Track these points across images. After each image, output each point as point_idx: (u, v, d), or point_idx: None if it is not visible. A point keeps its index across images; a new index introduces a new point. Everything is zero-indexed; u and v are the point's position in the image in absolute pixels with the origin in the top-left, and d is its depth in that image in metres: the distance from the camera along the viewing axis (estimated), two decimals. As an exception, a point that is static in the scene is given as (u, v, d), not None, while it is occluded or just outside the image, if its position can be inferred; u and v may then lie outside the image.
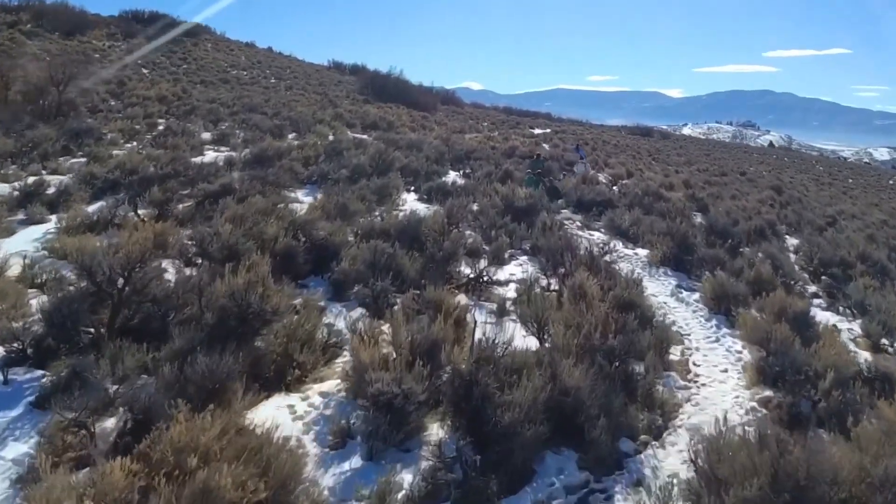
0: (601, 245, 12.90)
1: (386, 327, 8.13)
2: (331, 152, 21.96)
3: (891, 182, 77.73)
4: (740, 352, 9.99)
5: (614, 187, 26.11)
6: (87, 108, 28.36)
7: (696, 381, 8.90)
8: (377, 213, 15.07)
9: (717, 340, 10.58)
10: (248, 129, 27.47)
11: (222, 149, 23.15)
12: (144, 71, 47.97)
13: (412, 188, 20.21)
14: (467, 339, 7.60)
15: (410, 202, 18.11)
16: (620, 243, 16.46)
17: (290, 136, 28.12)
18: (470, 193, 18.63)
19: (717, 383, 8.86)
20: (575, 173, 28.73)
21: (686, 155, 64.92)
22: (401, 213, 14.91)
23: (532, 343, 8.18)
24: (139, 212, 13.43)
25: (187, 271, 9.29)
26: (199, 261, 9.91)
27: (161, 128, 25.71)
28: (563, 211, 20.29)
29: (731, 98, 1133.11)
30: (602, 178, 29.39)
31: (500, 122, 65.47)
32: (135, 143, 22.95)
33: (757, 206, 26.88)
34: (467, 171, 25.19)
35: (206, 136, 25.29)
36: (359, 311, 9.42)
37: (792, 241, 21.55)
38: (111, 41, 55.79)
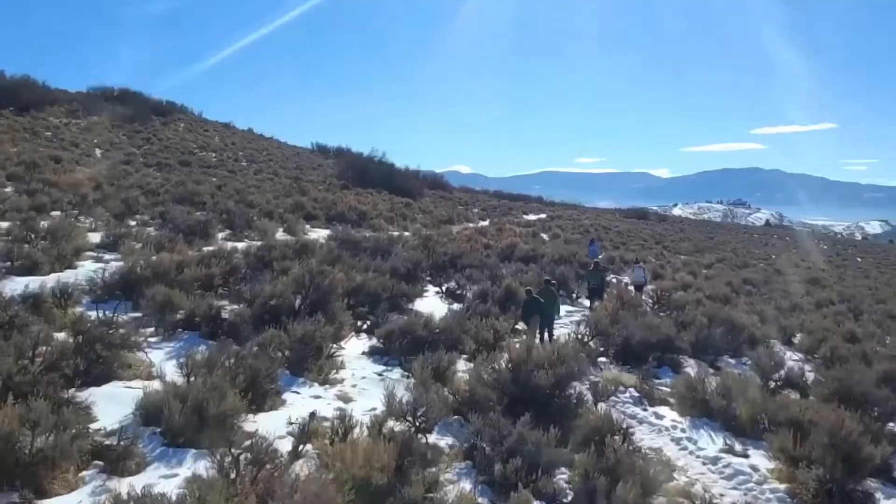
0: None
1: None
2: (256, 264, 15.28)
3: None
4: None
5: (659, 307, 19.36)
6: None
7: None
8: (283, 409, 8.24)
9: None
10: (162, 227, 20.76)
11: (106, 257, 16.25)
12: (98, 151, 43.74)
13: (363, 326, 13.43)
14: None
15: (355, 363, 11.32)
16: (719, 440, 9.79)
17: (221, 236, 21.65)
18: (457, 340, 12.09)
19: None
20: (627, 283, 23.13)
21: (691, 240, 60.34)
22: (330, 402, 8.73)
23: None
24: None
25: None
26: None
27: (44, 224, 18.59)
28: (603, 365, 13.33)
29: (719, 176, 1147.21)
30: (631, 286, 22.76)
31: (491, 208, 61.38)
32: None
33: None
34: (453, 286, 18.60)
35: (96, 237, 18.27)
36: None
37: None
38: (71, 118, 53.13)
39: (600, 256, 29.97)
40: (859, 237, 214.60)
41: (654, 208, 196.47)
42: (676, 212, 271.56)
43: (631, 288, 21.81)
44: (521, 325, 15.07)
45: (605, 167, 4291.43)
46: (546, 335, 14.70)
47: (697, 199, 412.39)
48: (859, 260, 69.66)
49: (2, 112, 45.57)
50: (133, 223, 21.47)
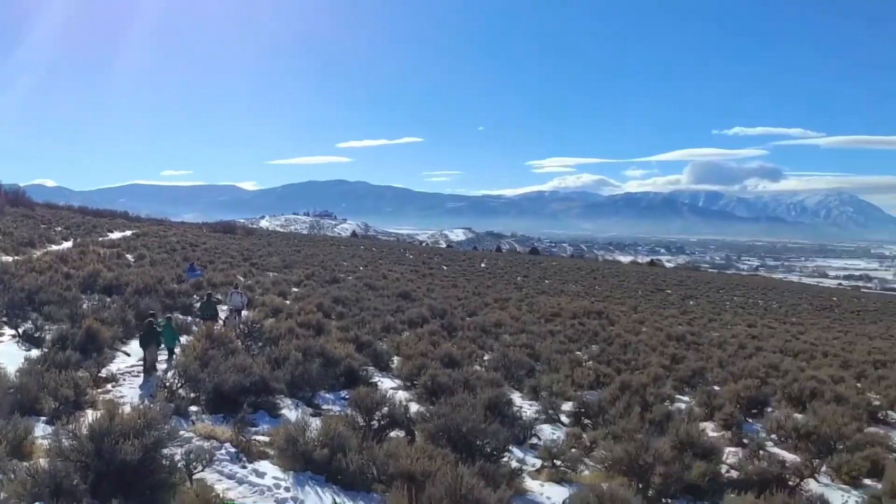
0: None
1: None
2: None
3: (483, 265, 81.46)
4: None
5: (251, 340, 18.18)
6: None
7: None
8: None
9: None
10: None
11: None
12: None
13: None
14: None
15: None
16: (328, 497, 9.05)
17: None
18: (34, 399, 10.51)
19: None
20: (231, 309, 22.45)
21: (279, 254, 60.09)
22: None
23: None
24: None
25: None
26: None
27: None
28: (195, 417, 11.91)
29: (306, 189, 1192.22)
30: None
31: (75, 226, 57.08)
32: None
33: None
34: (30, 327, 16.54)
35: None
36: None
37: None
38: None
39: (201, 279, 30.22)
40: (444, 245, 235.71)
41: (242, 221, 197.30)
42: (264, 224, 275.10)
43: (229, 316, 21.79)
44: (106, 371, 14.21)
45: (191, 180, 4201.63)
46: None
47: (284, 211, 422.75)
48: (445, 269, 74.13)
49: None
50: None
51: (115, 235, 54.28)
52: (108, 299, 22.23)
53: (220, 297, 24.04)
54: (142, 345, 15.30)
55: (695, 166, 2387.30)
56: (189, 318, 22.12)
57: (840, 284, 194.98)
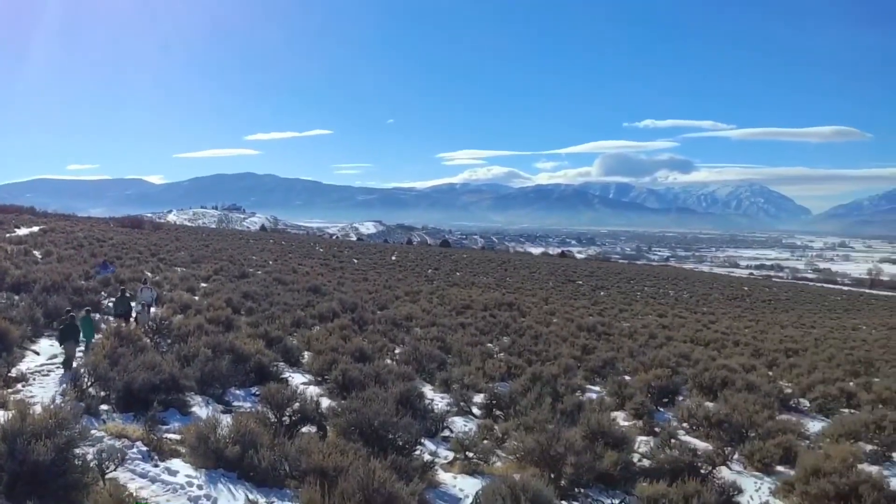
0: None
1: None
2: None
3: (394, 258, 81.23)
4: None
5: (160, 336, 18.07)
6: None
7: None
8: None
9: None
10: None
11: None
12: None
13: None
14: None
15: None
16: (241, 495, 8.99)
17: None
18: None
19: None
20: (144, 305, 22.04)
21: (187, 249, 59.11)
22: None
23: None
24: None
25: None
26: None
27: None
28: (106, 416, 11.62)
29: (214, 182, 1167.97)
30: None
31: None
32: None
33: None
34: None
35: None
36: None
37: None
38: None
39: (110, 276, 29.82)
40: (355, 238, 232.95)
41: (150, 215, 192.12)
42: (171, 218, 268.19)
43: (142, 311, 21.59)
44: (16, 371, 13.99)
45: (98, 174, 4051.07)
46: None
47: (192, 205, 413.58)
48: (356, 262, 73.78)
49: None
50: None
51: (22, 231, 52.30)
52: (17, 297, 21.61)
53: (129, 293, 23.72)
54: (61, 340, 15.39)
55: (605, 158, 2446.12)
56: (97, 316, 21.75)
57: (751, 274, 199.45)
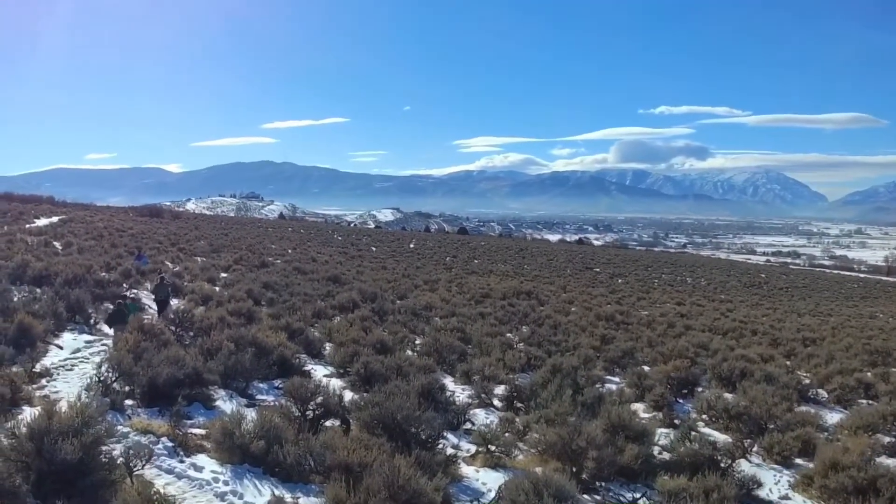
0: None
1: None
2: None
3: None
4: None
5: (182, 329, 18.12)
6: None
7: None
8: None
9: None
10: None
11: None
12: None
13: None
14: None
15: None
16: (267, 490, 8.97)
17: None
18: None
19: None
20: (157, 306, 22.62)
21: (207, 238, 59.31)
22: None
23: None
24: None
25: None
26: None
27: None
28: (131, 411, 11.47)
29: (232, 170, 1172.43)
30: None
31: (1, 213, 54.83)
32: None
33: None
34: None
35: None
36: None
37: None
38: None
39: (148, 266, 31.53)
40: (372, 225, 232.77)
41: (168, 204, 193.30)
42: (190, 206, 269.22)
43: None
44: (40, 366, 14.14)
45: (116, 163, 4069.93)
46: None
47: (210, 193, 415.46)
48: (374, 250, 73.82)
49: None
50: None
51: (42, 222, 52.69)
52: (38, 291, 21.75)
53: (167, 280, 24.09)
54: (110, 324, 17.62)
55: (622, 145, 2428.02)
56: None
57: (768, 261, 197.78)
